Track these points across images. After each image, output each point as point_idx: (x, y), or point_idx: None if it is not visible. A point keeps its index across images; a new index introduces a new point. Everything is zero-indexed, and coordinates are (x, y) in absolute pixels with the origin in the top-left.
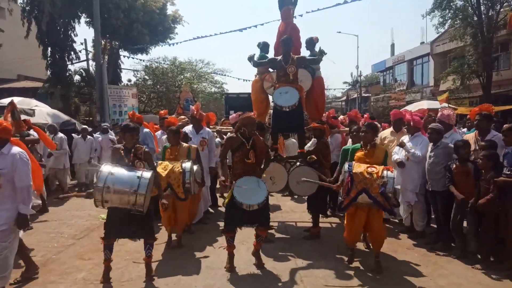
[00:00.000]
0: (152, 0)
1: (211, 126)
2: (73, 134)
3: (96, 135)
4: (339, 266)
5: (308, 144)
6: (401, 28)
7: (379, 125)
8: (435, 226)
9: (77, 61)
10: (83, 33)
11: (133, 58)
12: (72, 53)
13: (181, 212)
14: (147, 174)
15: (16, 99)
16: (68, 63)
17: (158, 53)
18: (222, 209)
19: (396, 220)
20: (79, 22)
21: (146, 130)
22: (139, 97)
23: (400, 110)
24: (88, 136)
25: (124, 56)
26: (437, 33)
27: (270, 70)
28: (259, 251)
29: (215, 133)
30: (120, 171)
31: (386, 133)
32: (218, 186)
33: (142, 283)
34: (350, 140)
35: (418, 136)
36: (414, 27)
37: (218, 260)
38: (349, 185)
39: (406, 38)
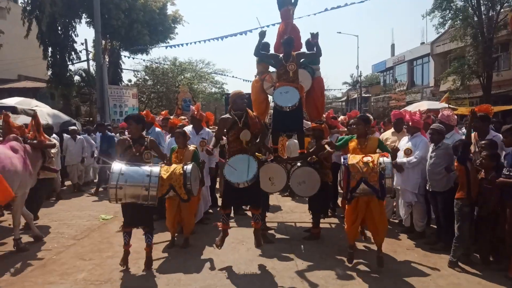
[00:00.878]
0: (153, 0)
1: (210, 126)
2: (64, 135)
3: (98, 134)
4: (339, 267)
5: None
6: (401, 28)
7: (371, 117)
8: (435, 226)
9: (77, 61)
10: (84, 33)
11: (133, 58)
12: (73, 53)
13: (187, 213)
14: (156, 171)
15: (16, 99)
16: (68, 63)
17: (159, 53)
18: None
19: (396, 221)
20: (79, 22)
21: (157, 129)
22: (139, 97)
23: (400, 110)
24: (78, 136)
25: (124, 56)
26: (437, 33)
27: (270, 70)
28: (258, 230)
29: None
30: (130, 170)
31: (387, 134)
32: (217, 186)
33: (143, 282)
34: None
35: (418, 136)
36: (415, 27)
37: (218, 260)
38: (345, 177)
39: (407, 38)
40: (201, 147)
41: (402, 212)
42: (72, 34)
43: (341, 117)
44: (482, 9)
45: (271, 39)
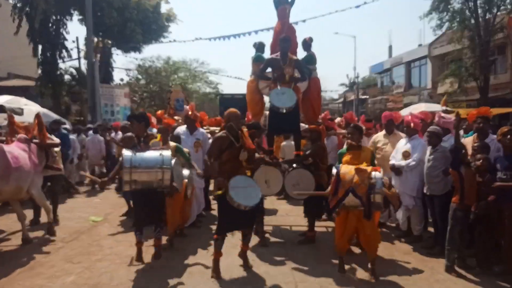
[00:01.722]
0: None
1: (204, 127)
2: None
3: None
4: (334, 271)
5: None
6: (399, 30)
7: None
8: (433, 230)
9: (68, 59)
10: (76, 31)
11: (125, 56)
12: (64, 51)
13: (171, 211)
14: (167, 152)
15: (5, 98)
16: (59, 61)
17: (152, 52)
18: (215, 212)
19: (393, 225)
20: (71, 20)
21: (154, 130)
22: (131, 97)
23: (399, 112)
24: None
25: (117, 54)
26: (435, 35)
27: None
28: (246, 253)
29: (209, 134)
30: (141, 153)
31: (379, 136)
32: (211, 188)
33: (133, 286)
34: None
35: (416, 138)
36: (412, 29)
37: (210, 265)
38: (334, 185)
39: (404, 40)
40: (195, 148)
41: (399, 216)
42: (63, 32)
43: (338, 119)
44: (479, 12)
45: (267, 38)
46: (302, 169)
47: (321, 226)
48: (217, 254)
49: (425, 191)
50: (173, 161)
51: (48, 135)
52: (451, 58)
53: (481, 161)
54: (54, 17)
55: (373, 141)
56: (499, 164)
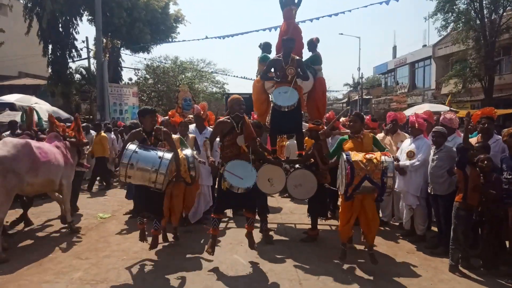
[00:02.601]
0: (155, 0)
1: (211, 126)
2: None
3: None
4: (338, 269)
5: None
6: (403, 30)
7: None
8: (436, 230)
9: (78, 59)
10: (86, 31)
11: (134, 55)
12: (74, 51)
13: (176, 201)
14: (168, 155)
15: (17, 96)
16: (69, 61)
17: (160, 52)
18: None
19: (396, 223)
20: (81, 20)
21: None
22: (139, 96)
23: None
24: None
25: (126, 54)
26: (439, 36)
27: (272, 70)
28: (251, 233)
29: None
30: (144, 151)
31: (380, 136)
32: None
33: (140, 282)
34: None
35: (420, 138)
36: (417, 29)
37: (216, 261)
38: (349, 174)
39: (408, 40)
40: (205, 147)
41: (403, 215)
42: (73, 32)
43: (342, 119)
44: (485, 12)
45: (273, 39)
46: (304, 170)
47: (325, 224)
48: (214, 230)
49: (429, 190)
50: (189, 151)
51: (83, 135)
52: (455, 59)
53: (485, 162)
54: (64, 18)
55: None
56: (505, 164)
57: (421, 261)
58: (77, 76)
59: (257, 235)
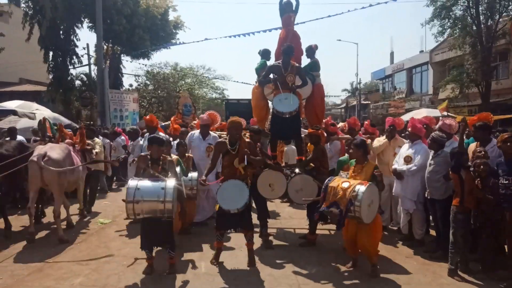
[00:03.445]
0: (154, 6)
1: (217, 132)
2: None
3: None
4: (337, 274)
5: None
6: (400, 36)
7: (369, 140)
8: (434, 234)
9: (79, 65)
10: (86, 38)
11: (134, 62)
12: (74, 57)
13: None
14: (170, 184)
15: (18, 103)
16: (70, 67)
17: (160, 58)
18: None
19: (395, 228)
20: (81, 27)
21: (161, 134)
22: (140, 102)
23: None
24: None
25: (126, 61)
26: (436, 42)
27: (271, 76)
28: (252, 250)
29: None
30: (146, 185)
31: (380, 140)
32: None
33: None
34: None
35: (418, 143)
36: (414, 35)
37: (216, 266)
38: (322, 196)
39: (406, 46)
40: (207, 153)
41: (400, 220)
42: (74, 39)
43: (341, 124)
44: (481, 18)
45: (272, 45)
46: (305, 175)
47: (324, 229)
48: (218, 243)
49: (426, 195)
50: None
51: (87, 141)
52: (452, 64)
53: (481, 166)
54: (64, 24)
55: (374, 145)
56: (501, 169)
57: (419, 265)
58: (78, 82)
59: (257, 240)
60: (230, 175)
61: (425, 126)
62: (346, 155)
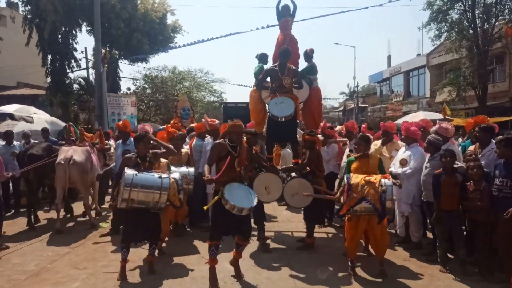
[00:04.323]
0: (153, 10)
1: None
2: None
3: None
4: (334, 277)
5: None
6: (397, 40)
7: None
8: (431, 237)
9: (77, 69)
10: (84, 42)
11: (132, 64)
12: (73, 61)
13: (164, 224)
14: (166, 175)
15: (15, 107)
16: (68, 71)
17: (158, 62)
18: None
19: (392, 231)
20: (80, 31)
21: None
22: (138, 106)
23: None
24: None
25: (124, 64)
26: (433, 45)
27: (268, 79)
28: (238, 261)
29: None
30: (142, 174)
31: (376, 144)
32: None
33: None
34: (347, 149)
35: (414, 147)
36: (411, 39)
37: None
38: (347, 194)
39: (403, 50)
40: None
41: (397, 223)
42: (73, 42)
43: (338, 127)
44: (477, 22)
45: (270, 49)
46: (301, 179)
47: (321, 232)
48: (213, 261)
49: (422, 198)
50: (176, 174)
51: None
52: (449, 68)
53: (475, 169)
54: (63, 28)
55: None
56: (498, 171)
57: (417, 268)
58: (76, 86)
59: (254, 244)
60: (230, 178)
61: (422, 129)
62: (345, 154)
